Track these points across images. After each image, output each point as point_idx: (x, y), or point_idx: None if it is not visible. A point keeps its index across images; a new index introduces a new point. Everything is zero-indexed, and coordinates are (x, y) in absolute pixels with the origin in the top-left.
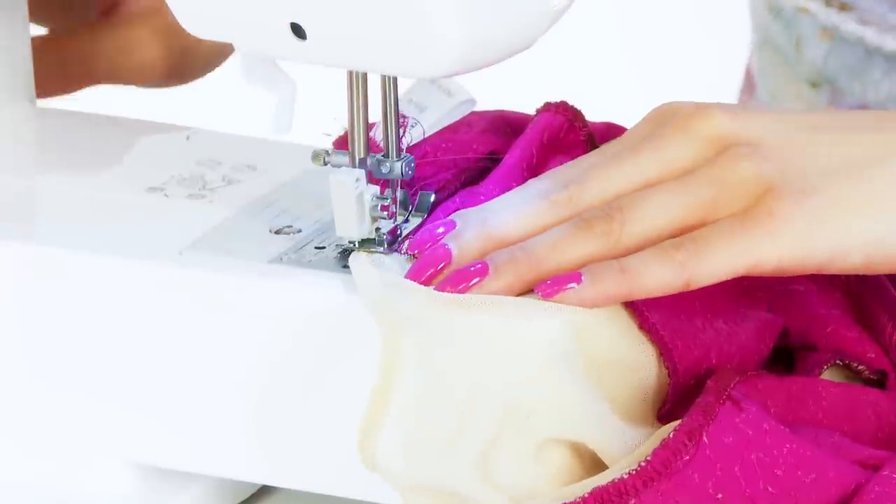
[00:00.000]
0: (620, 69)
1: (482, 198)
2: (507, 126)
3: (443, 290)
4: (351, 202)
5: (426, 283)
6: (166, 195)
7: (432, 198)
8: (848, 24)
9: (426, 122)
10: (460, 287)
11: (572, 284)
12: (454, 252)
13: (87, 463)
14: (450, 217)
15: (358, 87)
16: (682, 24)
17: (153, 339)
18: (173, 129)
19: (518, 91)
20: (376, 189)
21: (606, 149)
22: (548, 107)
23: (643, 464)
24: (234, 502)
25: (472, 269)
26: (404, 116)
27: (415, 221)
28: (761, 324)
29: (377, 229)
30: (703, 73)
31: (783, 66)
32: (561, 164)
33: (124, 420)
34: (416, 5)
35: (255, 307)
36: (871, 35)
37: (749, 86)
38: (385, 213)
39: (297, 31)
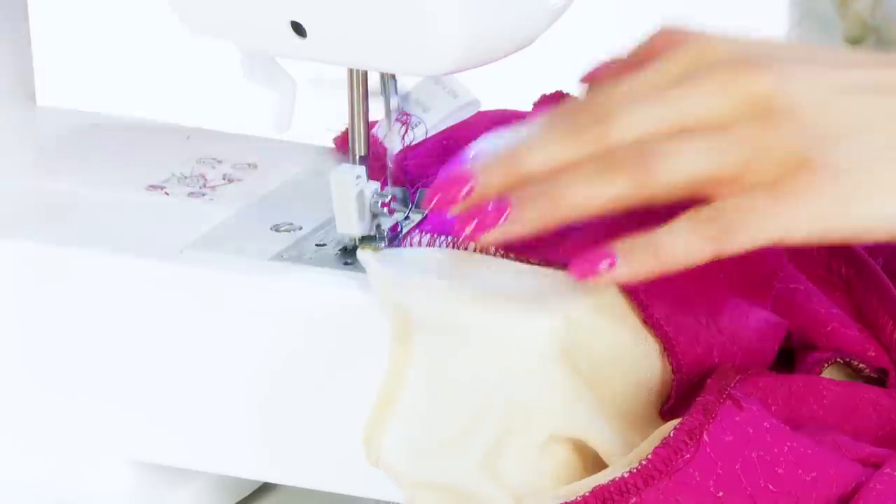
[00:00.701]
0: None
1: None
2: (508, 124)
3: (463, 229)
4: (351, 199)
5: (445, 204)
6: (167, 194)
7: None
8: None
9: (429, 122)
10: (483, 229)
11: (604, 264)
12: (478, 180)
13: (88, 461)
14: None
15: (358, 85)
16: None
17: (154, 337)
18: (174, 128)
19: (518, 89)
20: (377, 185)
21: (640, 79)
22: (544, 97)
23: (644, 462)
24: (234, 499)
25: (495, 207)
26: (407, 115)
27: (415, 218)
28: (766, 325)
29: (377, 226)
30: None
31: (824, 34)
32: None
33: (125, 418)
34: (417, 3)
35: (256, 305)
36: None
37: None
38: (385, 209)
39: (298, 29)
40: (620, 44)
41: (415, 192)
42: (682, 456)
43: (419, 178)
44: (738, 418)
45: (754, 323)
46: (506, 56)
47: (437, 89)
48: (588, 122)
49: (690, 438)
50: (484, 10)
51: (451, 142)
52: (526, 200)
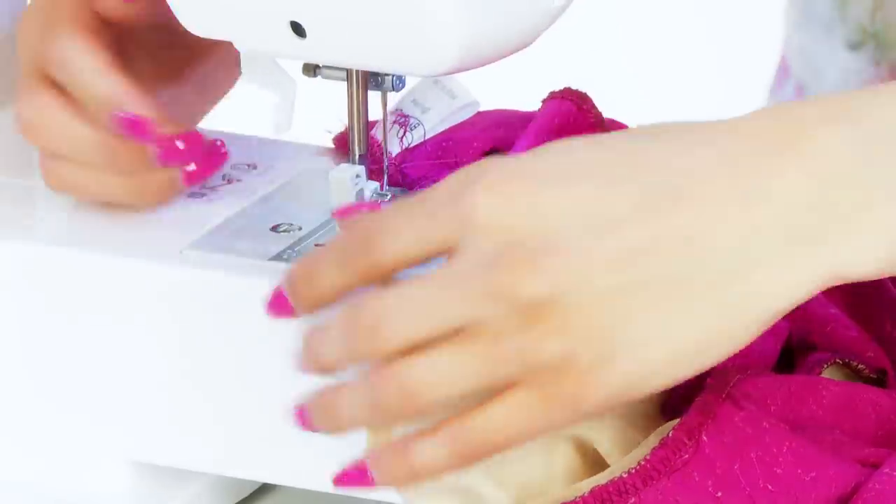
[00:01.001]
0: (620, 67)
1: None
2: (509, 123)
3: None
4: (350, 198)
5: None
6: None
7: None
8: None
9: (428, 123)
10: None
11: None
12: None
13: (86, 461)
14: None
15: (357, 85)
16: (683, 23)
17: (153, 337)
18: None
19: (518, 89)
20: (376, 185)
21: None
22: (553, 94)
23: (643, 462)
24: (233, 500)
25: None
26: (406, 116)
27: None
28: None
29: None
30: (703, 72)
31: (824, 37)
32: None
33: (125, 418)
34: (417, 3)
35: (256, 305)
36: None
37: (783, 72)
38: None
39: (297, 29)
40: (620, 42)
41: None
42: (681, 456)
43: (418, 182)
44: (736, 418)
45: None
46: (505, 56)
47: (436, 90)
48: (357, 317)
49: (689, 438)
50: (484, 10)
51: (451, 143)
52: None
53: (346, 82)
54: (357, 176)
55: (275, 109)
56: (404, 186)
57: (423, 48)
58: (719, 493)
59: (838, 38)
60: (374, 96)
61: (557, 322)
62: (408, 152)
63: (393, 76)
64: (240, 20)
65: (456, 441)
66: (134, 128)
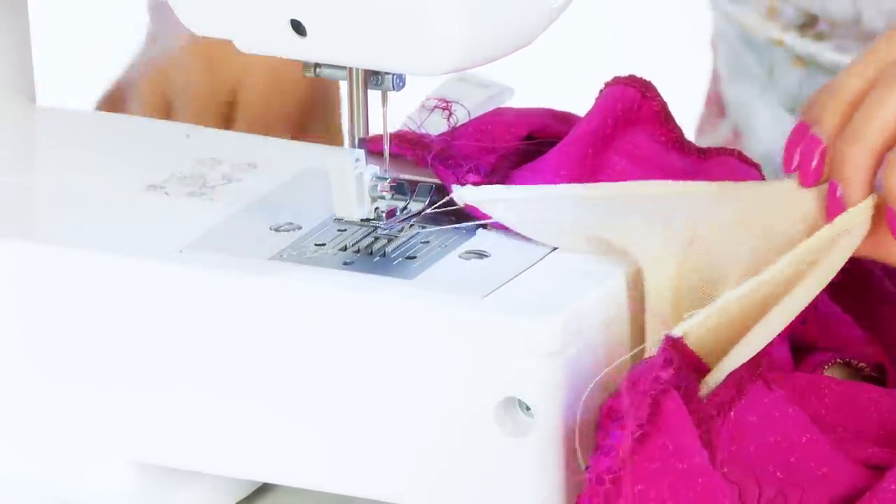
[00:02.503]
0: (620, 67)
1: (546, 175)
2: (547, 114)
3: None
4: (350, 183)
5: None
6: (167, 193)
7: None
8: (825, 54)
9: (466, 109)
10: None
11: None
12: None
13: (88, 461)
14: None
15: (357, 84)
16: (684, 23)
17: (154, 337)
18: (173, 127)
19: (517, 88)
20: (375, 169)
21: None
22: (617, 80)
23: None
24: (234, 500)
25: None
26: (447, 101)
27: (414, 207)
28: None
29: (376, 209)
30: (704, 71)
31: (758, 93)
32: (635, 138)
33: (125, 418)
34: (417, 2)
35: (256, 305)
36: (848, 63)
37: (717, 112)
38: (385, 193)
39: (298, 27)
40: (620, 42)
41: (461, 178)
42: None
43: (462, 162)
44: (766, 399)
45: None
46: (505, 55)
47: (463, 85)
48: None
49: (718, 412)
50: (484, 10)
51: (490, 127)
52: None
53: (346, 81)
54: (357, 160)
55: None
56: (447, 167)
57: (423, 47)
58: (725, 469)
59: (774, 97)
60: (373, 95)
61: None
62: (450, 135)
63: (393, 75)
64: (240, 18)
65: None
66: None
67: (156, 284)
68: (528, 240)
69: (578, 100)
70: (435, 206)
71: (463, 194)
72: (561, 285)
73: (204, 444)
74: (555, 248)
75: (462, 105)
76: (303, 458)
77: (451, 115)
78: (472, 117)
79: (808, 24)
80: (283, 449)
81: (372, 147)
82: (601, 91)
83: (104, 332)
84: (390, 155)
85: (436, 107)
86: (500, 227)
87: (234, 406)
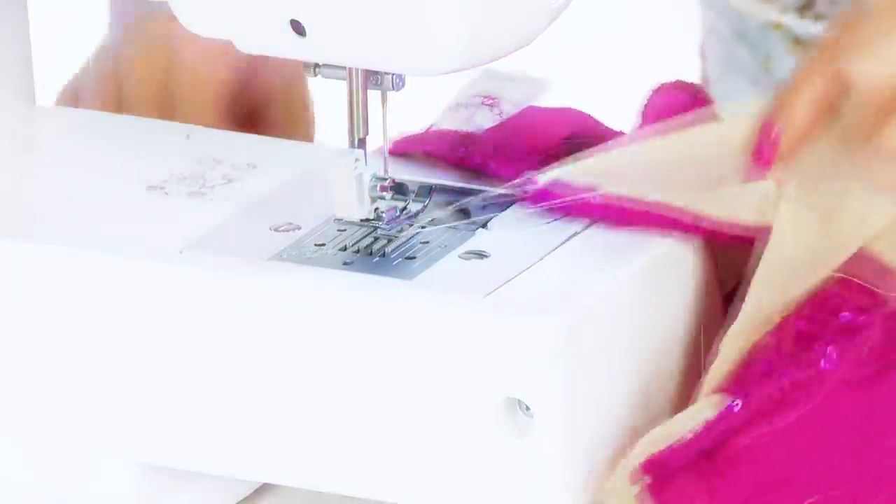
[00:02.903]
0: (620, 67)
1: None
2: (588, 115)
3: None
4: (350, 183)
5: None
6: (166, 193)
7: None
8: None
9: (508, 104)
10: None
11: None
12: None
13: (88, 462)
14: None
15: (357, 84)
16: (684, 23)
17: (154, 337)
18: (173, 127)
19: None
20: (375, 169)
21: None
22: (665, 85)
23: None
24: (234, 500)
25: None
26: (491, 97)
27: (414, 207)
28: None
29: (376, 209)
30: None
31: (749, 87)
32: None
33: (125, 419)
34: (417, 2)
35: (256, 305)
36: None
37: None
38: (384, 193)
39: (297, 27)
40: (619, 41)
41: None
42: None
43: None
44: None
45: None
46: (505, 55)
47: (500, 80)
48: None
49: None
50: (484, 10)
51: (530, 125)
52: None
53: (346, 81)
54: (356, 160)
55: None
56: (488, 163)
57: (424, 47)
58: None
59: (765, 88)
60: (373, 95)
61: None
62: (492, 131)
63: (393, 75)
64: (240, 19)
65: None
66: None
67: (156, 285)
68: (529, 240)
69: (575, 101)
70: (493, 197)
71: (554, 174)
72: (562, 285)
73: (204, 445)
74: (555, 248)
75: (505, 101)
76: (303, 458)
77: (500, 112)
78: (512, 113)
79: (807, 5)
80: (283, 449)
81: (398, 148)
82: (649, 98)
83: (104, 332)
84: (425, 154)
85: (482, 103)
86: (574, 212)
87: (234, 406)
